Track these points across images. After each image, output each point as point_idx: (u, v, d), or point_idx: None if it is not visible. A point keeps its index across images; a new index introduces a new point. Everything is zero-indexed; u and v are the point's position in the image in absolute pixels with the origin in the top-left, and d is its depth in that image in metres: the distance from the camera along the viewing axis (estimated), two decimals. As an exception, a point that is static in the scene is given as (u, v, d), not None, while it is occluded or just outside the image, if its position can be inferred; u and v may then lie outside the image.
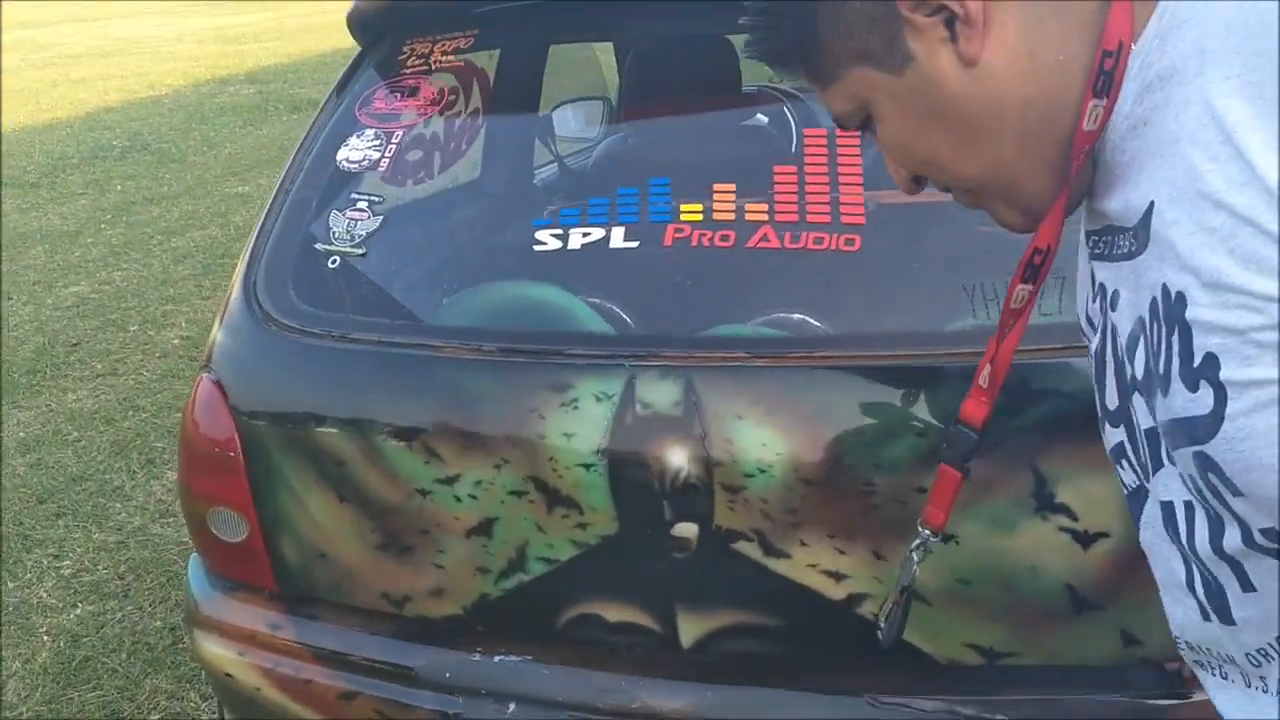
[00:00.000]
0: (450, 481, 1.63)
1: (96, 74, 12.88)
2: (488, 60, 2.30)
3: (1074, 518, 1.44)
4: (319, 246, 1.85)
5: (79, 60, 14.29)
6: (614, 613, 1.64)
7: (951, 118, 0.83)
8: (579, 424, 1.56)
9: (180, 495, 1.90)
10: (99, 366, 4.62)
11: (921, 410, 1.49)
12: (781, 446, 1.50)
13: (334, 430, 1.69)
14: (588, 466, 1.56)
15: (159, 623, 2.94)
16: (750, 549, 1.54)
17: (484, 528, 1.63)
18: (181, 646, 2.82)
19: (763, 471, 1.50)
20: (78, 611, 3.02)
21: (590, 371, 1.59)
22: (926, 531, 1.16)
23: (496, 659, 1.68)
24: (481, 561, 1.66)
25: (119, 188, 7.64)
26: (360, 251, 1.83)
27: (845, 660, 1.64)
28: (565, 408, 1.57)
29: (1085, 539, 1.44)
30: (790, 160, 1.72)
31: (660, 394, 1.55)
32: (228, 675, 1.84)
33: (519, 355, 1.66)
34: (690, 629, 1.62)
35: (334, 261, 1.83)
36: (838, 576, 1.53)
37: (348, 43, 2.19)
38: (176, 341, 4.83)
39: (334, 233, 1.86)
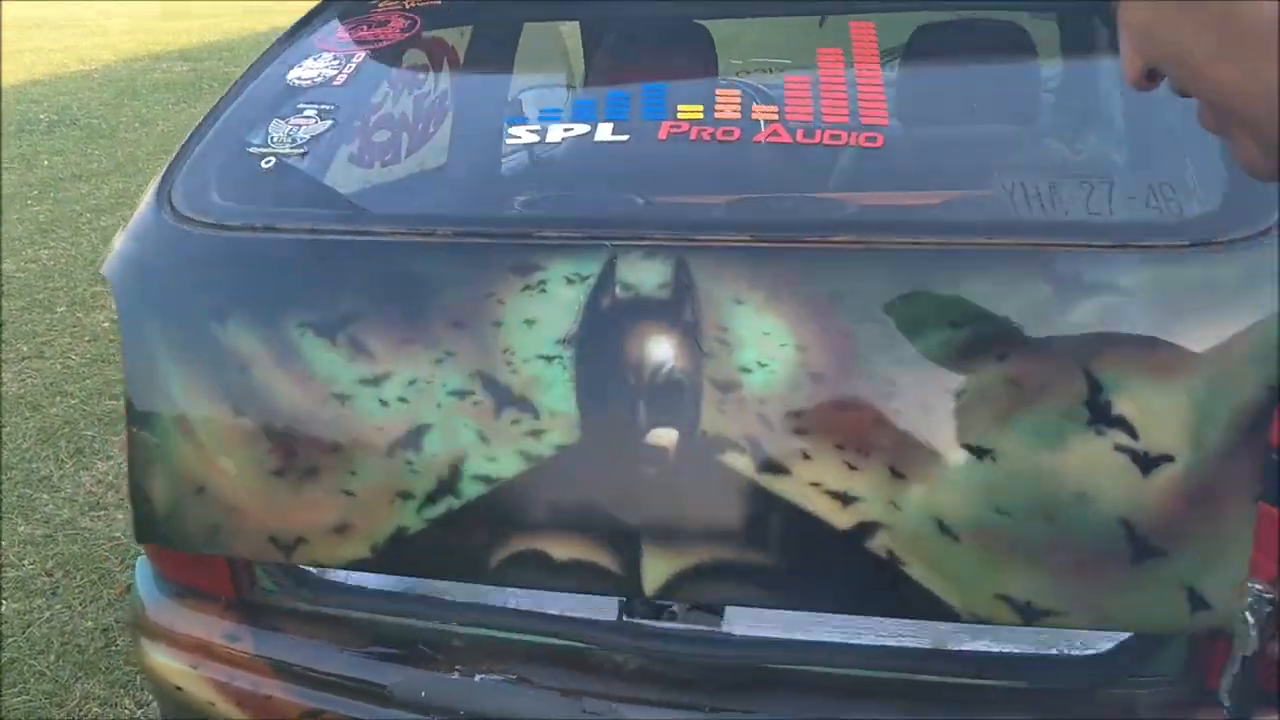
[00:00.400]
0: (377, 382, 1.40)
1: (22, 47, 12.43)
2: (459, 37, 2.20)
3: (1133, 434, 1.24)
4: (253, 150, 1.68)
5: (4, 32, 13.80)
6: (562, 548, 1.41)
7: (1222, 13, 0.66)
8: (544, 309, 1.36)
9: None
10: (24, 349, 4.40)
11: (957, 301, 1.31)
12: (787, 337, 1.31)
13: (241, 327, 1.46)
14: (550, 359, 1.35)
15: (90, 623, 2.77)
16: (740, 462, 1.32)
17: (412, 439, 1.40)
18: (115, 649, 2.66)
19: (763, 365, 1.31)
20: (1, 610, 2.83)
21: (563, 252, 1.40)
22: (1258, 587, 0.97)
23: (477, 678, 1.56)
24: (403, 484, 1.41)
25: (46, 163, 7.34)
26: (300, 152, 1.67)
27: (848, 612, 1.47)
28: (529, 291, 1.37)
29: (1146, 462, 1.24)
30: (805, 71, 1.62)
31: (645, 275, 1.35)
32: (177, 689, 1.70)
33: (478, 238, 1.48)
34: (656, 569, 1.38)
35: (268, 162, 1.66)
36: (846, 499, 1.30)
37: (287, 22, 2.07)
38: (107, 324, 4.62)
39: (273, 138, 1.68)
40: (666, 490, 1.36)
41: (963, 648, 1.51)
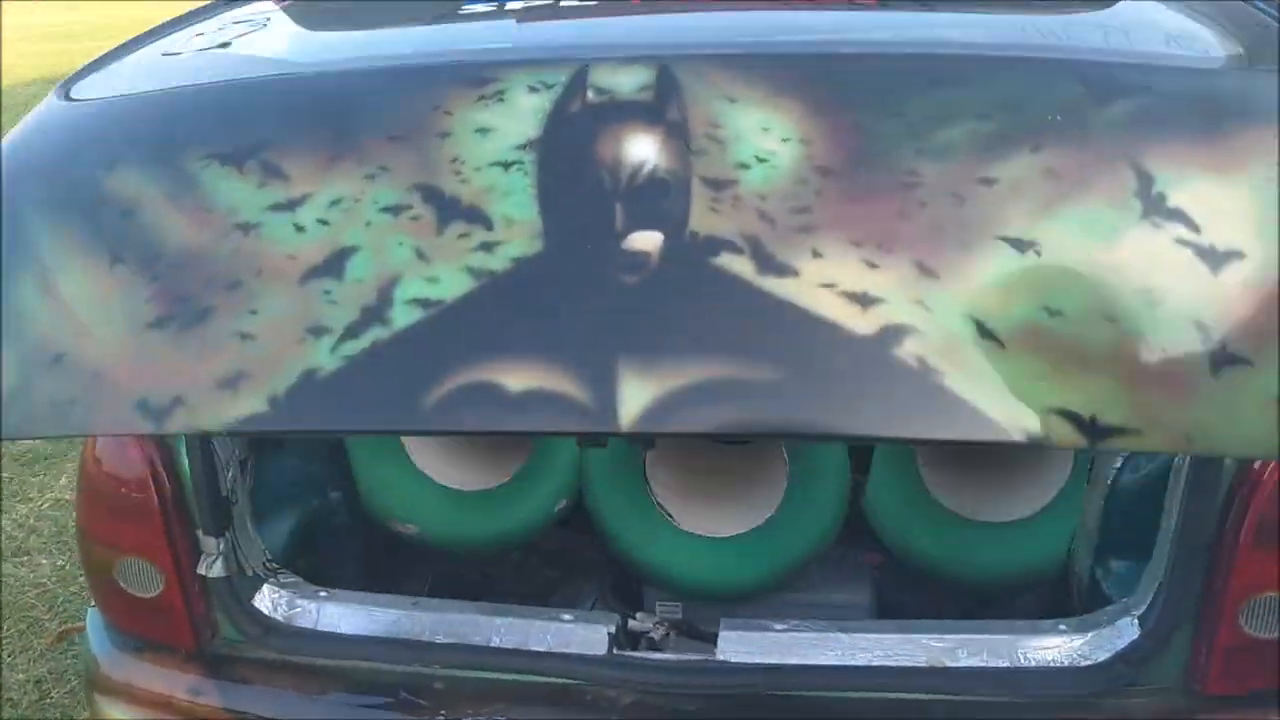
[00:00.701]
0: (292, 206, 1.21)
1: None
2: None
3: (1194, 228, 1.12)
4: (169, 55, 1.60)
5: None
6: (519, 378, 1.16)
7: None
8: (502, 116, 1.22)
9: (80, 542, 1.68)
10: (-68, 387, 4.21)
11: (986, 96, 1.24)
12: (790, 131, 1.19)
13: (131, 170, 1.30)
14: (508, 165, 1.19)
15: (21, 675, 2.65)
16: (738, 264, 1.14)
17: (333, 264, 1.19)
18: (50, 702, 2.55)
19: (762, 161, 1.17)
20: (-76, 665, 2.70)
21: (525, 65, 1.29)
22: None
23: (464, 722, 1.51)
24: (317, 317, 1.18)
25: (-58, 191, 7.09)
26: (221, 44, 1.59)
27: (871, 435, 1.33)
28: (484, 100, 1.23)
29: (1213, 257, 1.12)
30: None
31: (623, 78, 1.23)
32: (137, 747, 1.62)
33: (423, 62, 1.42)
34: (636, 395, 1.13)
35: (185, 57, 1.57)
36: (865, 301, 1.13)
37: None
38: (20, 359, 4.45)
39: (193, 46, 1.60)
40: (649, 300, 1.17)
41: (959, 664, 1.51)
